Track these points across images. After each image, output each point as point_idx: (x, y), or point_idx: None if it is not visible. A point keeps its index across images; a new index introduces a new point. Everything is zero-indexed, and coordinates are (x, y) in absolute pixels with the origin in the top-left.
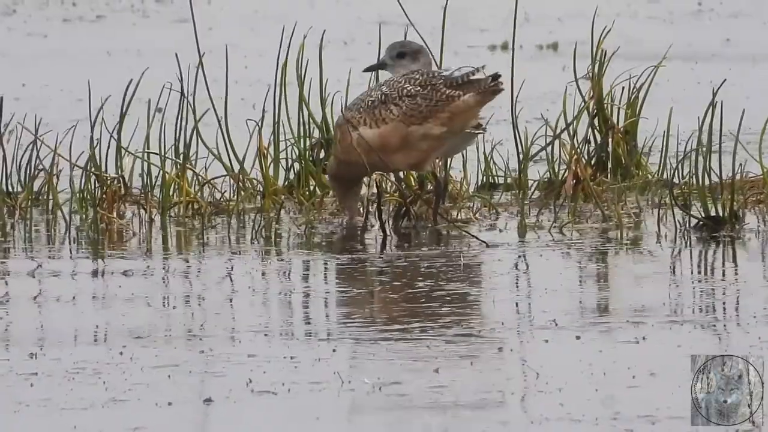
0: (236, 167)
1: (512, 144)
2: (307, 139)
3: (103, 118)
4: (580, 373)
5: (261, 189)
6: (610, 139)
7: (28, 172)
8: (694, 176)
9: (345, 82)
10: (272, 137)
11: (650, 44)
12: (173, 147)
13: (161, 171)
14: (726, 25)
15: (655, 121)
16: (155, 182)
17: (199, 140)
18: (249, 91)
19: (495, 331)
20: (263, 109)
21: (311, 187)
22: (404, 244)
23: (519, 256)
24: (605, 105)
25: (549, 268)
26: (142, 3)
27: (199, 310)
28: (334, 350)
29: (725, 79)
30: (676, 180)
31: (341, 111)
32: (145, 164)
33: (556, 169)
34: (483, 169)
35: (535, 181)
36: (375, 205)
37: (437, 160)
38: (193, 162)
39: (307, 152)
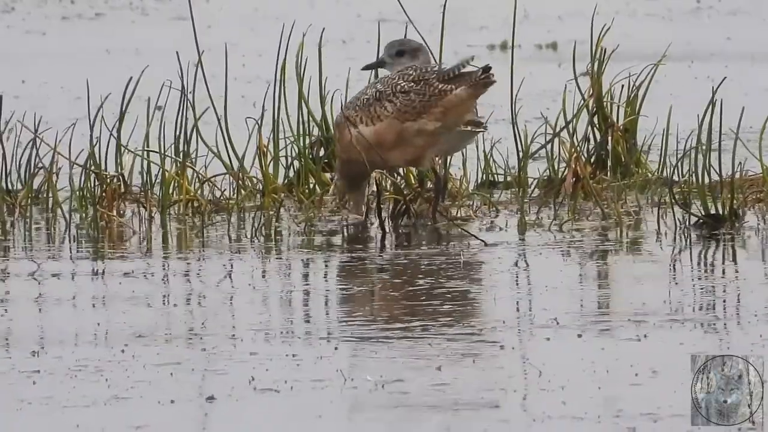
0: (236, 165)
1: (512, 142)
2: (307, 137)
3: (102, 116)
4: (582, 371)
5: (261, 187)
6: (609, 137)
7: (27, 170)
8: (693, 174)
9: (344, 79)
10: (272, 135)
11: (649, 42)
12: (173, 145)
13: (161, 169)
14: (725, 22)
15: (655, 119)
16: (155, 180)
17: (199, 138)
18: (248, 89)
19: (496, 330)
20: (263, 107)
21: (311, 185)
22: (404, 242)
23: (519, 254)
24: (605, 103)
25: (549, 266)
26: (140, 0)
27: (199, 308)
28: (335, 348)
29: (725, 77)
30: (675, 178)
31: (340, 110)
32: (145, 162)
33: (556, 167)
34: (483, 167)
35: (534, 179)
36: (375, 203)
37: (437, 158)
38: (193, 160)
39: (307, 150)
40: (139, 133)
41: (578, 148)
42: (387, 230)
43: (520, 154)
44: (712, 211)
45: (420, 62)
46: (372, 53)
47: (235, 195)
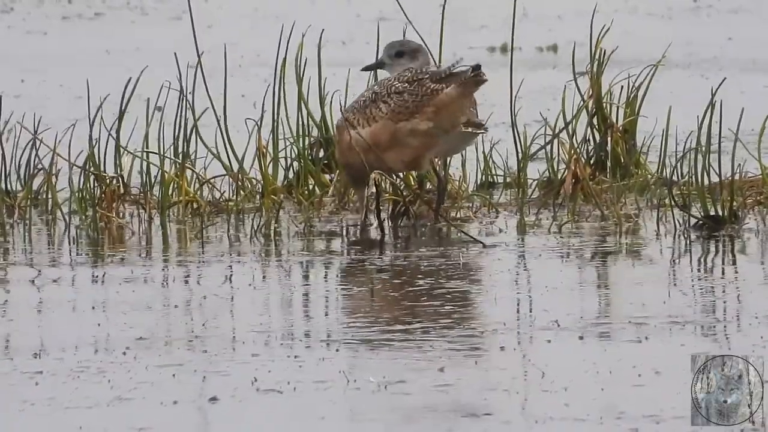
0: (235, 166)
1: (511, 143)
2: (306, 138)
3: (102, 117)
4: (584, 372)
5: (260, 188)
6: (609, 138)
7: (27, 171)
8: (693, 176)
9: (344, 80)
10: (271, 136)
11: (649, 41)
12: (172, 146)
13: (160, 170)
14: (725, 21)
15: (654, 120)
16: (154, 181)
17: (199, 139)
18: (248, 89)
19: (497, 331)
20: (263, 108)
21: (310, 186)
22: (403, 243)
23: (518, 256)
24: (604, 104)
25: (548, 267)
26: (140, 0)
27: (200, 309)
28: (337, 350)
29: (725, 78)
30: (675, 179)
31: (340, 112)
32: (144, 163)
33: (555, 169)
34: (482, 168)
35: (534, 180)
36: (374, 204)
37: (437, 160)
38: (193, 161)
39: (306, 151)
40: (138, 134)
41: (578, 149)
42: (386, 231)
43: (520, 155)
44: (712, 213)
45: (419, 63)
46: (372, 53)
47: (235, 196)
